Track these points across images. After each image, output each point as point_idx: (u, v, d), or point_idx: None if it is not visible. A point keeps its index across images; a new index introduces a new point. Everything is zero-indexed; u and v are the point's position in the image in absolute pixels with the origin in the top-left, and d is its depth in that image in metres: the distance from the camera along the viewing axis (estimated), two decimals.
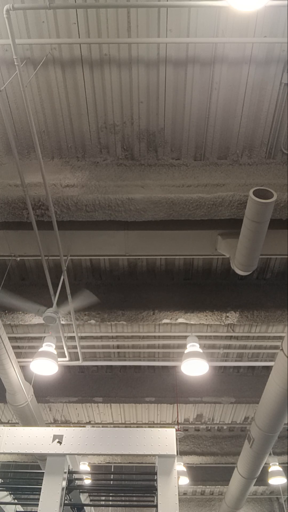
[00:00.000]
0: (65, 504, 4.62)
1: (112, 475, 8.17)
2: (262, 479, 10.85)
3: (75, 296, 6.27)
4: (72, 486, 4.91)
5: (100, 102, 5.06)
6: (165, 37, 4.48)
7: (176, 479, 4.60)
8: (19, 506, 5.92)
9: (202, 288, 7.09)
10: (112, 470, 12.22)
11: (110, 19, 4.37)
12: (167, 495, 4.44)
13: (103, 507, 12.31)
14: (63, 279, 5.97)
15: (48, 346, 6.37)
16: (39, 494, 4.51)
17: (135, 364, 8.84)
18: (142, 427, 9.99)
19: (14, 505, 5.92)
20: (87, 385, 9.44)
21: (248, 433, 7.36)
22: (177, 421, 10.68)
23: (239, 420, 11.04)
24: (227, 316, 6.90)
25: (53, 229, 5.28)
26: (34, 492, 5.05)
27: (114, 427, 9.98)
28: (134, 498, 5.15)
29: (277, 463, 10.55)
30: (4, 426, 7.40)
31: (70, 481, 4.89)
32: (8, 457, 10.19)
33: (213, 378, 9.40)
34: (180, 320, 7.01)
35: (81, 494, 5.42)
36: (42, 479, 4.65)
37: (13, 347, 7.83)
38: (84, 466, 11.45)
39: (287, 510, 13.86)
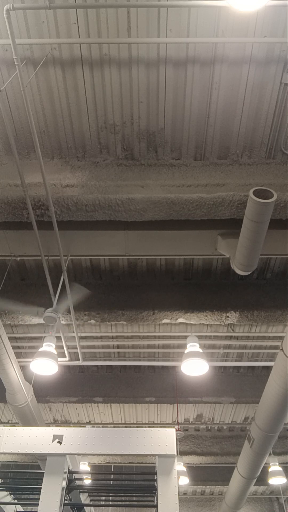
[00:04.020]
0: (65, 504, 4.62)
1: (112, 475, 8.17)
2: (262, 479, 10.86)
3: (70, 292, 6.24)
4: (72, 486, 4.91)
5: (100, 102, 5.06)
6: (165, 37, 4.48)
7: (176, 479, 4.60)
8: (19, 506, 5.92)
9: (202, 288, 7.09)
10: (112, 470, 12.22)
11: (110, 19, 4.37)
12: (167, 495, 4.44)
13: (103, 507, 12.32)
14: (63, 279, 5.97)
15: (48, 346, 6.36)
16: (39, 494, 4.51)
17: (135, 364, 8.84)
18: (142, 427, 9.99)
19: (14, 505, 5.92)
20: (87, 385, 9.44)
21: (248, 433, 7.36)
22: (177, 421, 10.68)
23: (239, 420, 11.04)
24: (227, 316, 6.90)
25: (53, 229, 5.28)
26: (34, 492, 5.05)
27: (114, 427, 9.98)
28: (134, 498, 5.15)
29: (277, 463, 10.55)
30: (4, 426, 7.39)
31: (70, 481, 4.89)
32: (8, 457, 10.18)
33: (213, 378, 9.39)
34: (180, 320, 7.01)
35: (81, 494, 5.42)
36: (42, 479, 4.65)
37: (13, 347, 7.83)
38: (84, 466, 11.45)
39: (287, 510, 13.86)
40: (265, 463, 9.34)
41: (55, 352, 6.36)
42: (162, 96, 4.98)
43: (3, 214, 5.37)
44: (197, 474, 12.54)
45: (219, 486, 13.50)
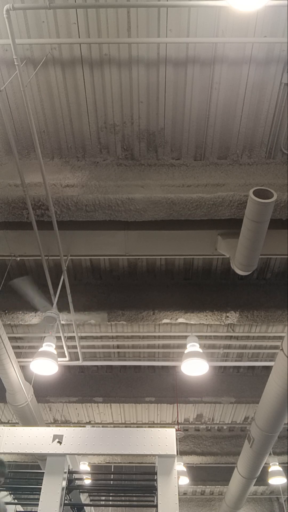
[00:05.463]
0: (65, 504, 4.62)
1: (112, 475, 8.17)
2: (262, 479, 10.83)
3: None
4: (72, 486, 4.91)
5: (100, 102, 5.06)
6: (165, 37, 4.48)
7: (176, 479, 4.60)
8: (19, 506, 5.92)
9: (202, 288, 7.09)
10: (112, 470, 12.22)
11: (110, 19, 4.37)
12: (167, 495, 4.44)
13: (103, 507, 12.31)
14: (63, 279, 5.97)
15: (48, 346, 6.36)
16: (39, 494, 4.51)
17: (135, 364, 8.84)
18: (142, 427, 10.00)
19: (14, 505, 5.92)
20: (87, 385, 9.44)
21: (248, 433, 7.36)
22: (177, 421, 10.68)
23: (239, 420, 11.04)
24: (227, 316, 6.90)
25: (53, 229, 5.28)
26: (34, 492, 5.05)
27: (114, 427, 9.99)
28: (134, 498, 5.16)
29: (277, 463, 10.55)
30: (4, 426, 7.38)
31: (70, 481, 4.90)
32: (8, 457, 10.16)
33: (213, 378, 9.39)
34: (180, 320, 7.01)
35: (81, 494, 5.42)
36: (42, 479, 4.65)
37: (13, 347, 7.81)
38: (84, 466, 11.45)
39: (287, 510, 13.86)
40: (265, 463, 9.32)
41: (55, 352, 6.35)
42: (162, 96, 4.98)
43: (3, 214, 5.37)
44: (197, 474, 12.54)
45: (219, 486, 13.50)
